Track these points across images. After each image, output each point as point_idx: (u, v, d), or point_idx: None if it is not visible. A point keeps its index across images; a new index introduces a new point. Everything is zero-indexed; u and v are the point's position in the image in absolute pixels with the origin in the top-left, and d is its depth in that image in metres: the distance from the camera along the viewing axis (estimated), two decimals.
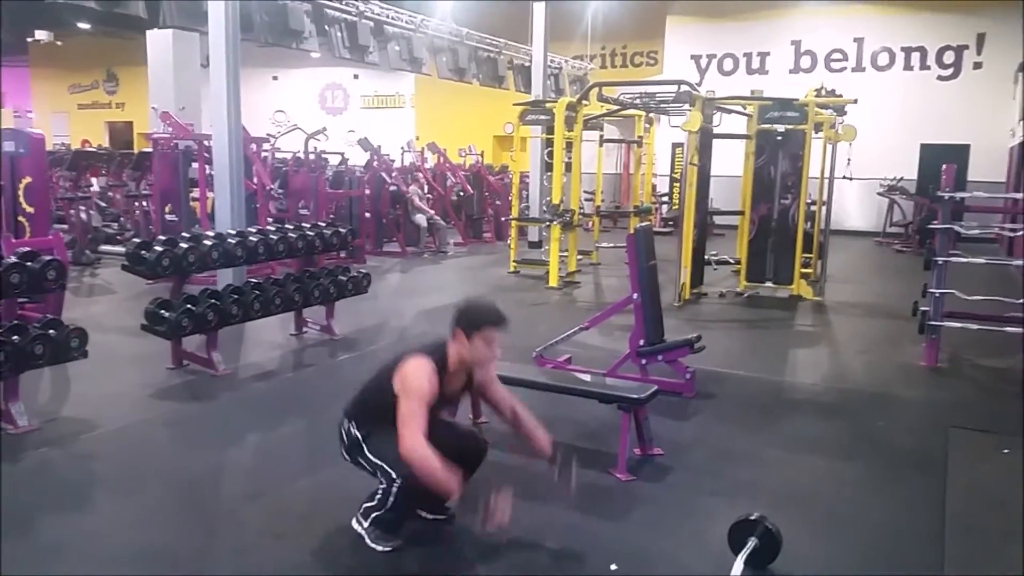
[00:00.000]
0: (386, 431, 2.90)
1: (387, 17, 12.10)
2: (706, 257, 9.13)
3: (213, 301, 5.43)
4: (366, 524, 3.02)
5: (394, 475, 2.88)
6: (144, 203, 11.26)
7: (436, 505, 3.16)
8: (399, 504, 2.92)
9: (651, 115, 11.89)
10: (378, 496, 2.96)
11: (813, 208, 9.36)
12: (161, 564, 2.96)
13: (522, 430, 3.17)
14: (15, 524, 3.24)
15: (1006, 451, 4.23)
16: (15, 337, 4.17)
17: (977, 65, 14.97)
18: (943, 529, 3.33)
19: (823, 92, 9.91)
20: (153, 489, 3.63)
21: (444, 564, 3.03)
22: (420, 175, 13.01)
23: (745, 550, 2.86)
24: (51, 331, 4.37)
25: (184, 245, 5.46)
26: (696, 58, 17.14)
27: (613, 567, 2.97)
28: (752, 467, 4.01)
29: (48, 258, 4.52)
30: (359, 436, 3.05)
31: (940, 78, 15.29)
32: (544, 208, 10.79)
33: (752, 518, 2.97)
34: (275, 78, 21.71)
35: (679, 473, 3.89)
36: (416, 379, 2.88)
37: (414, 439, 2.78)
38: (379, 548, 3.00)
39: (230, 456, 4.19)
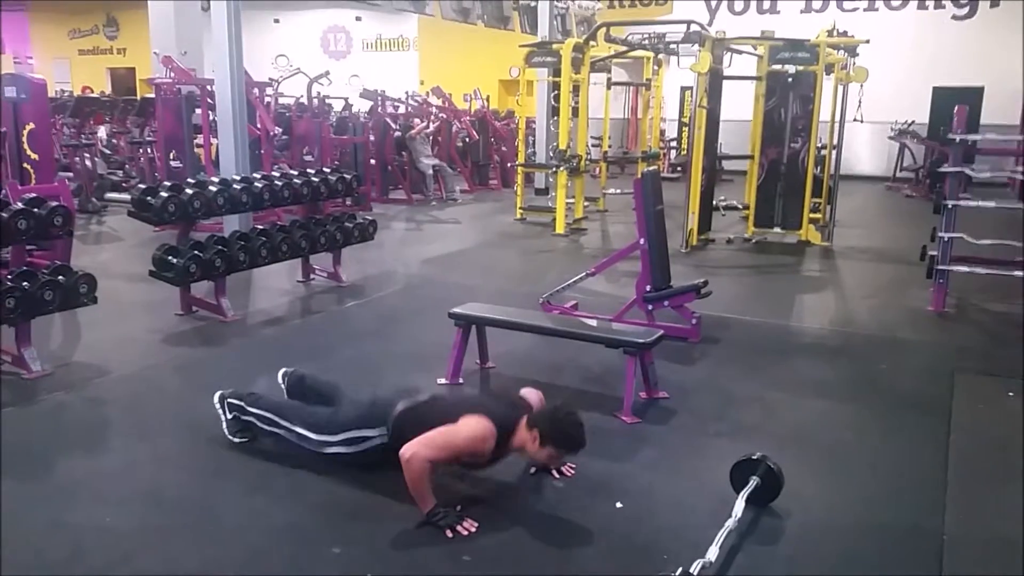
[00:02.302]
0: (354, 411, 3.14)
1: None
2: (714, 202, 9.07)
3: (220, 247, 5.44)
4: (228, 417, 3.45)
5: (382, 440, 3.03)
6: (148, 150, 11.21)
7: None
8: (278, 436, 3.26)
9: (660, 57, 11.66)
10: (272, 420, 3.29)
11: (823, 152, 9.24)
12: (173, 504, 3.03)
13: None
14: (31, 466, 3.31)
15: (1011, 394, 4.25)
16: (25, 283, 4.20)
17: (994, 3, 14.59)
18: (945, 471, 3.37)
19: (835, 32, 9.68)
20: (165, 432, 3.69)
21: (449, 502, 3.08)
22: (418, 120, 12.83)
23: (747, 488, 2.90)
24: (60, 277, 4.40)
25: (189, 191, 5.45)
26: None
27: (618, 505, 3.03)
28: (756, 410, 4.05)
29: (54, 204, 4.52)
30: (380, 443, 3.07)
31: (955, 17, 14.92)
32: (551, 154, 10.67)
33: (754, 457, 3.01)
34: (276, 21, 21.35)
35: (684, 416, 3.93)
36: (472, 439, 2.81)
37: (427, 456, 2.77)
38: (235, 439, 3.42)
39: None
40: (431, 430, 2.84)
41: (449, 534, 2.76)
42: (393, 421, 3.02)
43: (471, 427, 2.81)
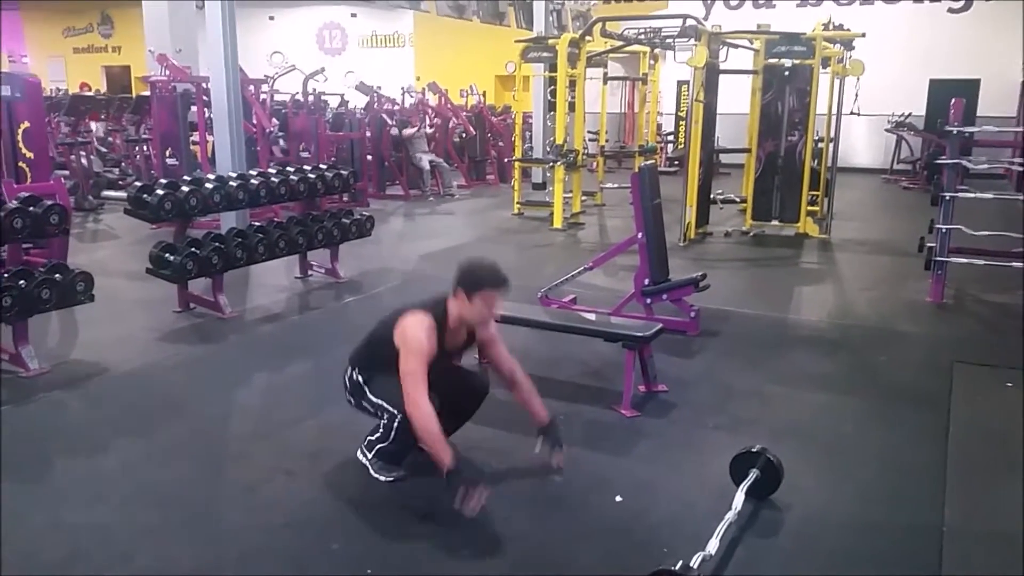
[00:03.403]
0: (387, 375, 2.98)
1: None
2: (712, 196, 9.06)
3: (217, 244, 5.43)
4: (370, 456, 3.12)
5: (395, 412, 2.96)
6: (144, 147, 11.18)
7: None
8: (400, 438, 3.00)
9: (656, 51, 11.66)
10: (380, 431, 3.06)
11: (820, 145, 9.24)
12: (174, 502, 3.02)
13: (519, 396, 3.23)
14: (30, 465, 3.31)
15: (1009, 384, 4.25)
16: (21, 282, 4.19)
17: None
18: (945, 462, 3.37)
19: (831, 26, 9.67)
20: (164, 429, 3.69)
21: (448, 496, 3.08)
22: (415, 119, 12.82)
23: (747, 481, 2.90)
24: (57, 275, 4.39)
25: (186, 188, 5.44)
26: None
27: (618, 499, 3.03)
28: (755, 403, 4.05)
29: (50, 202, 4.51)
30: (360, 381, 3.13)
31: (951, 11, 14.90)
32: (548, 149, 10.66)
33: (754, 450, 3.01)
34: (271, 18, 21.26)
35: (683, 409, 3.93)
36: (415, 336, 2.90)
37: (417, 395, 2.83)
38: (382, 478, 3.09)
39: (239, 396, 4.25)
40: (381, 346, 3.01)
41: (456, 504, 2.73)
42: (352, 359, 3.20)
43: (412, 324, 2.91)
